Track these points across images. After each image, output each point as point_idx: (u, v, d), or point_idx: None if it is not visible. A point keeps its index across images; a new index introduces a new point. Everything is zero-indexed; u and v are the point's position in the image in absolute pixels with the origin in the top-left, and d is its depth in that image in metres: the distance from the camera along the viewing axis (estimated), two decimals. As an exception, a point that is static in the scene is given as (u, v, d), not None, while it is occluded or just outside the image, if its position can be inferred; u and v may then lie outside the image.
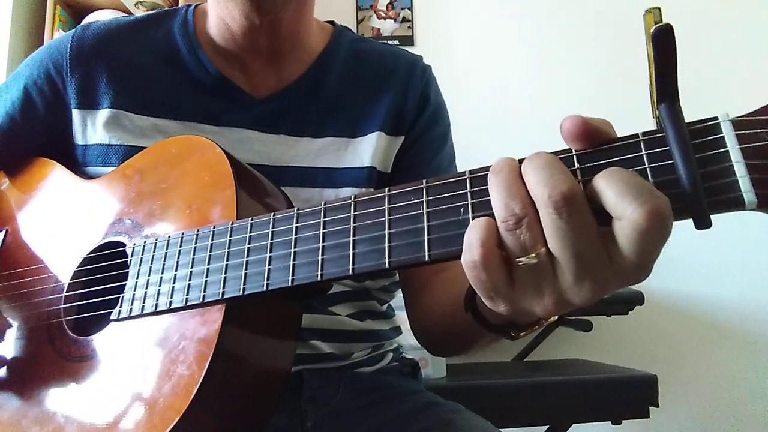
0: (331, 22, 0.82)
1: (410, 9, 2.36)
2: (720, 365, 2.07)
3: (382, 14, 2.37)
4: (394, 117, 0.74)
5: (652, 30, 0.33)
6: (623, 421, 1.42)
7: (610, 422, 1.42)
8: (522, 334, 0.47)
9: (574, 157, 0.36)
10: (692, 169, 0.32)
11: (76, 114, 0.70)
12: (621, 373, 1.48)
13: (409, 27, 2.35)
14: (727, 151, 0.32)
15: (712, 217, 0.32)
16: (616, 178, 0.33)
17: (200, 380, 0.45)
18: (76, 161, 0.71)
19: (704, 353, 2.08)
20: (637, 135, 0.35)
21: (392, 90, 0.75)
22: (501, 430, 0.66)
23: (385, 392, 0.73)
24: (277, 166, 0.70)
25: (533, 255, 0.35)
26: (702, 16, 2.24)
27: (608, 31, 2.29)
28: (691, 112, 0.33)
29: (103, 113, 0.69)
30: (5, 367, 0.60)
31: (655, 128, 0.34)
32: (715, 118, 0.33)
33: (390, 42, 2.32)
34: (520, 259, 0.35)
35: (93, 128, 0.69)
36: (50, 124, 0.71)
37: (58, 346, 0.58)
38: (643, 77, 2.12)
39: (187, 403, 0.45)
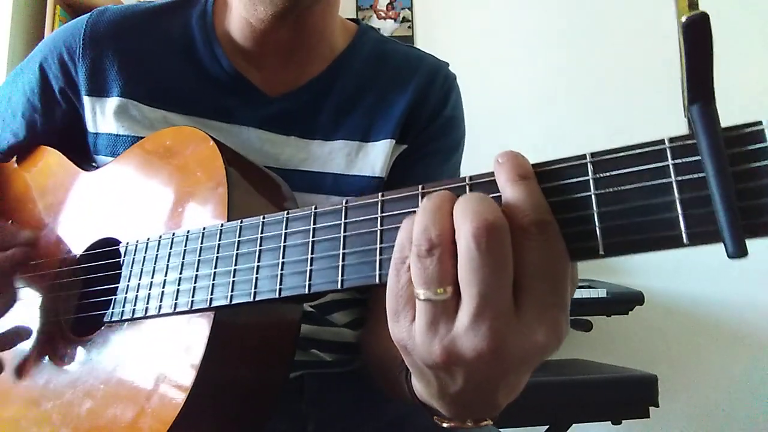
0: (357, 21, 0.78)
1: (410, 9, 2.36)
2: (720, 365, 2.07)
3: (382, 14, 2.37)
4: (405, 124, 0.71)
5: (683, 19, 0.28)
6: (623, 421, 1.43)
7: (610, 422, 1.43)
8: (445, 424, 0.41)
9: (589, 165, 0.31)
10: (727, 185, 0.27)
11: (86, 101, 0.68)
12: (621, 373, 1.49)
13: (409, 27, 2.35)
14: None
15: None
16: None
17: (188, 390, 0.44)
18: (89, 150, 0.70)
19: (704, 353, 2.08)
20: (662, 141, 0.29)
21: (409, 95, 0.71)
22: (501, 430, 0.66)
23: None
24: (286, 170, 0.67)
25: (439, 291, 0.32)
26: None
27: (609, 31, 2.29)
28: (727, 116, 0.29)
29: (113, 101, 0.67)
30: (5, 364, 0.59)
31: (686, 133, 0.29)
32: (758, 123, 0.27)
33: (390, 42, 2.32)
34: (419, 291, 0.32)
35: (103, 116, 0.68)
36: (66, 107, 0.70)
37: (55, 347, 0.57)
38: (646, 78, 2.12)
39: (174, 415, 0.43)
